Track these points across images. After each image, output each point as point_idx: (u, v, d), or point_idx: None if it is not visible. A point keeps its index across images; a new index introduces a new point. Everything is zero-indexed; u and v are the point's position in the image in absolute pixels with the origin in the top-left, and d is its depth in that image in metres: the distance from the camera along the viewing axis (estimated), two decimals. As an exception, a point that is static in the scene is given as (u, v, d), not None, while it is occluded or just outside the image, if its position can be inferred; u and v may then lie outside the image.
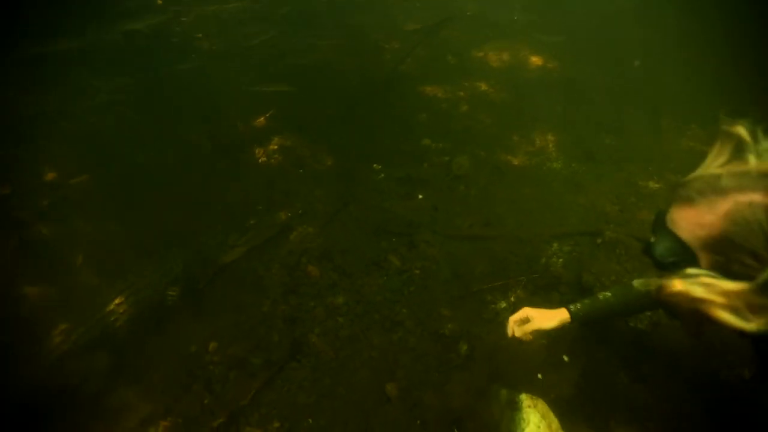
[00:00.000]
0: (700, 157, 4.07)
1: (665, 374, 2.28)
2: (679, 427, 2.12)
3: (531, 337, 2.05)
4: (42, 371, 2.80)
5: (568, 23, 7.42)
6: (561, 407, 2.25)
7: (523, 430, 2.09)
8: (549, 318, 2.09)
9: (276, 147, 4.77)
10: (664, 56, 6.56)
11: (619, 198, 3.75)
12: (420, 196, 4.11)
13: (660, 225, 1.38)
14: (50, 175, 4.14)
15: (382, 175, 4.35)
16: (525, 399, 2.22)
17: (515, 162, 4.52)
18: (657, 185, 3.88)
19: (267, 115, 5.01)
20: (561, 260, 3.21)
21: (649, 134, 4.86)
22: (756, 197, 1.12)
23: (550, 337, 2.22)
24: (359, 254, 3.58)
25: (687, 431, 2.07)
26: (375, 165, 4.53)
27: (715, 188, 1.21)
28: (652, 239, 1.39)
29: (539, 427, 2.09)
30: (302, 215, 3.88)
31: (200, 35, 5.52)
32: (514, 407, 2.22)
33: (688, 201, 1.27)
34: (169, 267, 3.33)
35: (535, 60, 6.75)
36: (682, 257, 1.27)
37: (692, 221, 1.26)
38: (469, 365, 2.68)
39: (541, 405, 2.22)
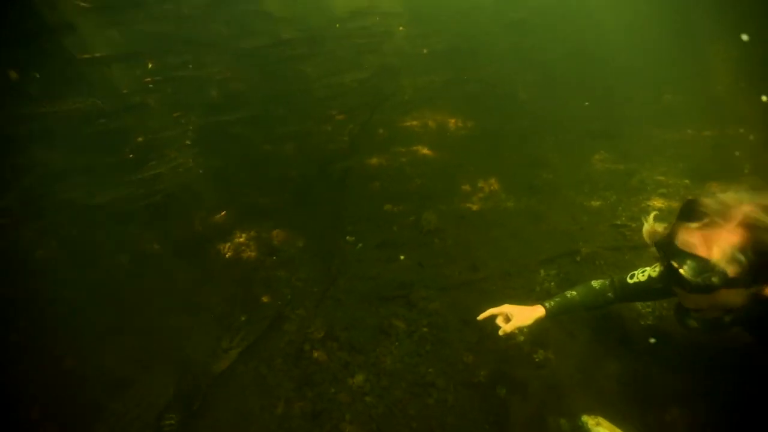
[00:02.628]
0: (618, 176, 4.81)
1: (688, 359, 2.48)
2: (718, 406, 2.28)
3: (513, 330, 2.39)
4: None
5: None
6: (615, 413, 2.30)
7: (601, 448, 2.09)
8: (527, 315, 2.42)
9: (241, 240, 4.60)
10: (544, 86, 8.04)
11: (574, 218, 4.22)
12: (402, 257, 4.19)
13: (674, 251, 1.59)
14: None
15: (360, 245, 4.40)
16: (587, 420, 2.25)
17: (474, 208, 4.89)
18: (598, 202, 4.46)
19: (227, 209, 4.89)
20: (553, 283, 3.44)
21: (569, 162, 5.64)
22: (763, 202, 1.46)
23: (529, 331, 2.56)
24: (362, 326, 3.47)
25: (724, 405, 2.23)
26: (348, 237, 4.58)
27: (722, 205, 1.49)
28: (675, 264, 1.55)
29: (612, 438, 2.10)
30: (291, 300, 3.70)
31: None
32: (581, 431, 2.22)
33: (699, 222, 1.53)
34: (157, 393, 2.88)
35: (454, 121, 7.65)
36: (709, 272, 1.47)
37: (710, 239, 1.49)
38: (514, 407, 2.64)
39: (602, 420, 2.25)
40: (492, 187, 5.29)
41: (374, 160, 6.26)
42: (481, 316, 2.54)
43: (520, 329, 2.44)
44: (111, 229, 4.59)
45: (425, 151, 6.62)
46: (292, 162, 6.24)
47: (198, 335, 3.36)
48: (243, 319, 3.42)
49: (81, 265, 4.10)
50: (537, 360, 2.84)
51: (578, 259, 3.59)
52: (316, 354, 3.28)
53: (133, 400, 2.81)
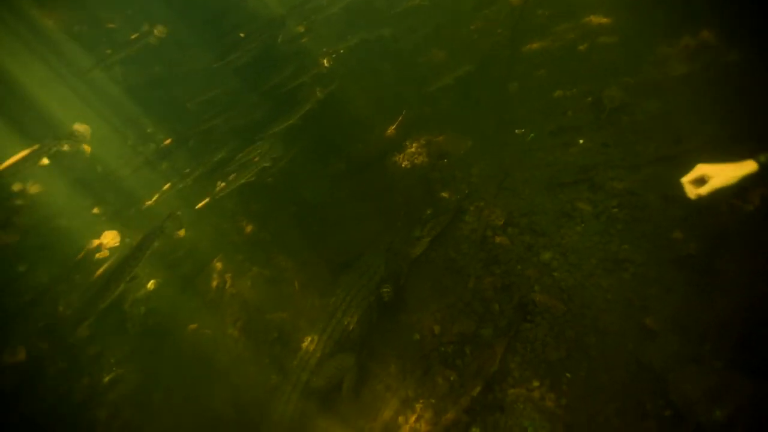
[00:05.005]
0: None
1: None
2: None
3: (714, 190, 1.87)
4: (306, 377, 3.22)
5: None
6: None
7: None
8: (732, 172, 1.89)
9: (413, 149, 4.98)
10: None
11: None
12: (581, 141, 3.88)
13: None
14: (248, 228, 4.93)
15: (532, 135, 4.23)
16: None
17: (675, 73, 4.01)
18: None
19: (397, 123, 5.30)
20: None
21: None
22: None
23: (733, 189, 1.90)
24: (542, 212, 3.48)
25: None
26: (516, 130, 4.44)
27: None
28: None
29: None
30: (470, 194, 3.94)
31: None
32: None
33: None
34: (372, 270, 3.63)
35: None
36: None
37: None
38: (731, 280, 2.36)
39: None
40: (702, 41, 4.17)
41: (536, 45, 5.61)
42: (691, 195, 2.07)
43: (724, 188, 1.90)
44: (321, 159, 5.54)
45: (600, 19, 5.54)
46: (445, 67, 6.13)
47: (393, 228, 3.97)
48: (429, 212, 3.86)
49: (293, 187, 5.20)
50: (774, 230, 2.40)
51: None
52: (498, 239, 3.50)
53: (357, 275, 3.61)
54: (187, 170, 4.74)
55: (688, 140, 3.27)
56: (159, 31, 4.72)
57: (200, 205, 4.24)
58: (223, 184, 4.26)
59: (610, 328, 2.57)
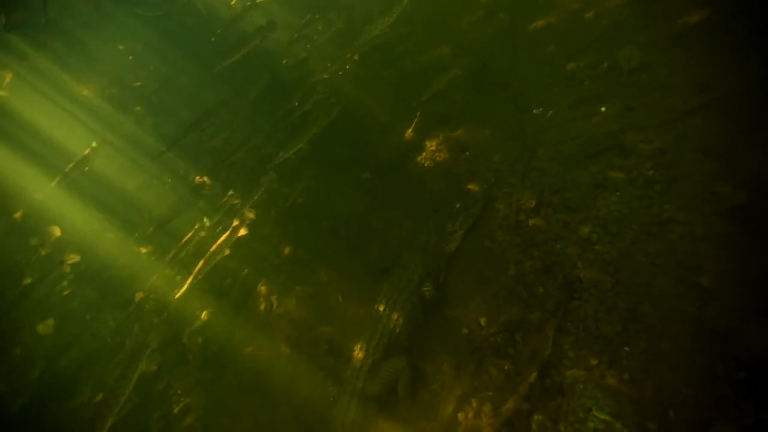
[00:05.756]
0: None
1: None
2: None
3: None
4: (361, 384, 3.26)
5: None
6: None
7: None
8: None
9: (433, 147, 5.00)
10: None
11: None
12: (603, 109, 3.76)
13: None
14: (286, 249, 5.09)
15: (550, 112, 4.15)
16: None
17: (692, 21, 3.82)
18: None
19: (413, 125, 5.34)
20: None
21: None
22: None
23: None
24: (574, 187, 3.39)
25: None
26: (534, 110, 4.36)
27: None
28: None
29: None
30: (496, 182, 3.90)
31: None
32: None
33: None
34: (411, 271, 3.63)
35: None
36: None
37: None
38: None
39: None
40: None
41: (541, 23, 5.52)
42: None
43: None
44: (344, 172, 5.65)
45: (605, -17, 5.39)
46: (450, 62, 6.12)
47: (426, 226, 3.98)
48: (458, 206, 3.85)
49: (323, 202, 5.32)
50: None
51: None
52: (532, 221, 3.44)
53: (397, 277, 3.62)
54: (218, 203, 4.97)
55: (716, 86, 3.10)
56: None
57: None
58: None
59: (664, 294, 2.45)
